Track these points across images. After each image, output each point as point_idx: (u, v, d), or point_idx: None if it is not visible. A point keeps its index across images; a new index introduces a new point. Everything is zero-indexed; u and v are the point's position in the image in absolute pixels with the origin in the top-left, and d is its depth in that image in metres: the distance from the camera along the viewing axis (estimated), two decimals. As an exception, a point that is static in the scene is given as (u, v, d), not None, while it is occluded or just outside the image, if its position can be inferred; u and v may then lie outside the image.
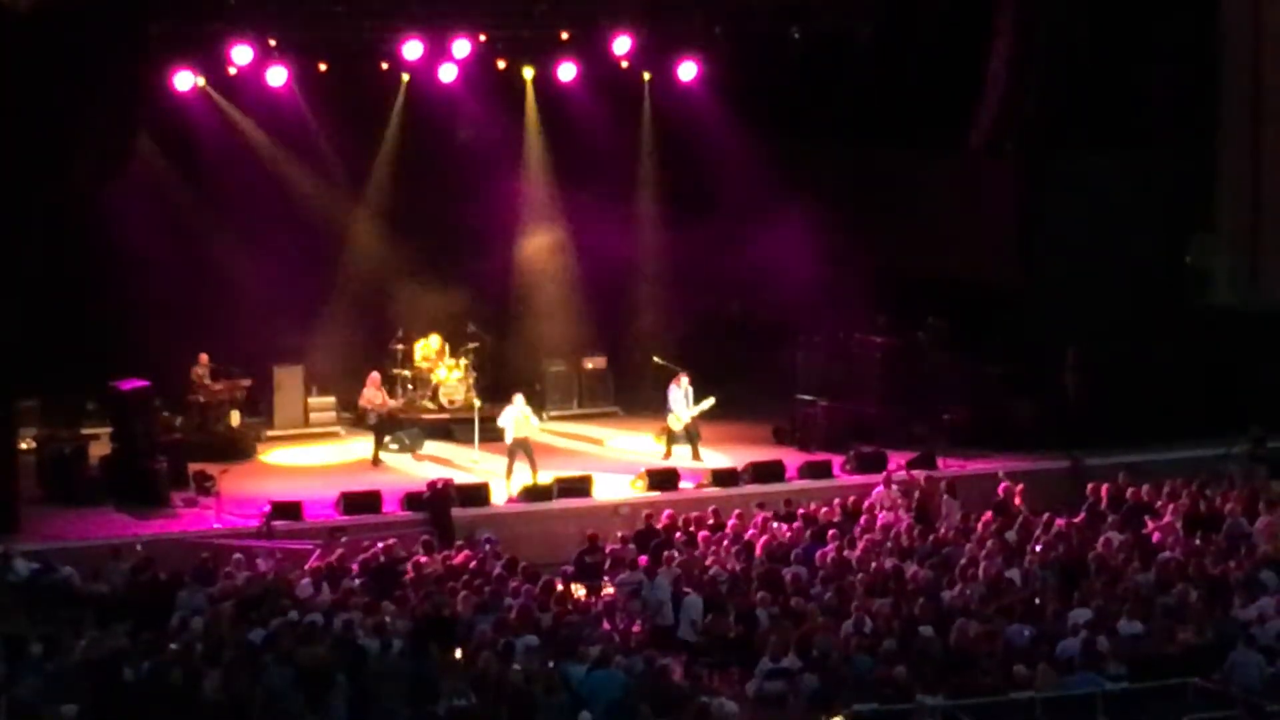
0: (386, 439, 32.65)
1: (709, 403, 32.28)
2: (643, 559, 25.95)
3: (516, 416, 30.87)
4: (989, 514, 27.41)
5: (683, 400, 32.27)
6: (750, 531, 26.91)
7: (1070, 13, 33.44)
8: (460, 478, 30.28)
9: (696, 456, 32.21)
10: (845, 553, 25.59)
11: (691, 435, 32.34)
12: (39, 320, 31.32)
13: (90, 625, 22.77)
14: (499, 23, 33.31)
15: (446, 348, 34.52)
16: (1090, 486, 28.67)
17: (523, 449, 30.70)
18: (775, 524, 27.26)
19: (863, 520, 27.63)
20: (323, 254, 34.13)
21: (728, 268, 34.53)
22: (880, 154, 35.20)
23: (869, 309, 34.08)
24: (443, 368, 34.30)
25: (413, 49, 32.68)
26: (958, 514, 27.98)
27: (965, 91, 33.99)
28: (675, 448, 32.45)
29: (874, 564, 25.02)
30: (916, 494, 28.86)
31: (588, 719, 19.52)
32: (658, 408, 33.43)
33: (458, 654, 21.59)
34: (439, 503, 28.46)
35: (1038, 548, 25.65)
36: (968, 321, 33.64)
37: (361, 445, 32.94)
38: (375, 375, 32.92)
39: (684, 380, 32.39)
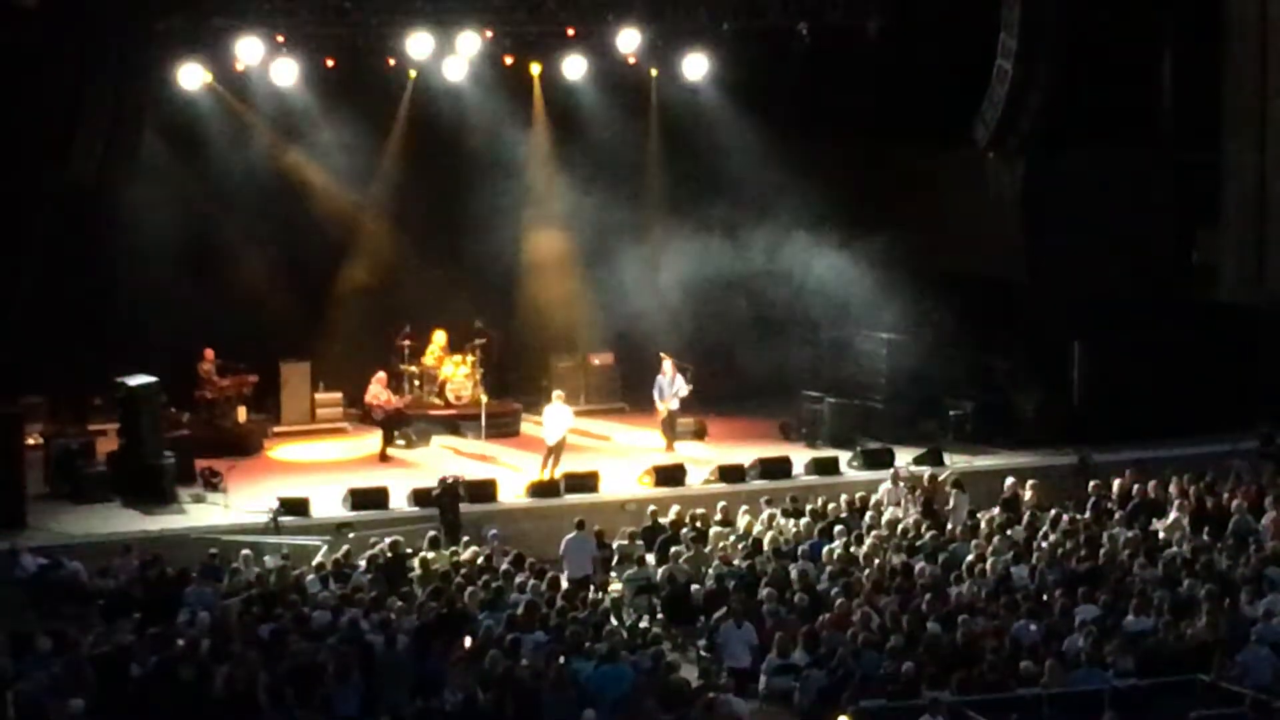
0: (394, 435, 32.70)
1: (683, 390, 32.47)
2: (650, 555, 26.04)
3: (558, 415, 31.07)
4: (996, 510, 27.42)
5: (666, 387, 32.45)
6: (757, 528, 26.93)
7: (1077, 8, 33.44)
8: (468, 474, 30.28)
9: (670, 448, 32.40)
10: (852, 549, 25.62)
11: (668, 425, 32.47)
12: (46, 316, 31.41)
13: (97, 621, 22.83)
14: (506, 18, 33.35)
15: (453, 344, 34.50)
16: (1097, 483, 28.68)
17: (557, 447, 30.85)
18: (782, 520, 27.28)
19: (869, 516, 27.64)
20: (330, 250, 34.17)
21: (734, 263, 34.52)
22: (887, 149, 35.25)
23: (875, 304, 34.07)
24: (450, 364, 34.30)
25: (420, 45, 32.72)
26: (965, 509, 27.99)
27: (972, 87, 34.00)
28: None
29: (880, 560, 25.03)
30: (923, 490, 28.88)
31: (592, 717, 19.54)
32: (665, 405, 33.55)
33: (465, 649, 21.59)
34: (449, 499, 28.44)
35: (1045, 544, 25.66)
36: (974, 316, 33.65)
37: (368, 441, 32.98)
38: (381, 375, 32.96)
39: (666, 366, 32.54)
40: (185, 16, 31.32)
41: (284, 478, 30.85)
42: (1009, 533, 26.26)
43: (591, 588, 24.83)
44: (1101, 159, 33.78)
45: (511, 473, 30.99)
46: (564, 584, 24.40)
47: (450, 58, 33.25)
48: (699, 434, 33.60)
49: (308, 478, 30.84)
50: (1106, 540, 25.63)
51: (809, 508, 27.76)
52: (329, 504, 28.91)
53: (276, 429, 33.64)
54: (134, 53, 30.82)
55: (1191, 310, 34.15)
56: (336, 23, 32.37)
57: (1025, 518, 27.12)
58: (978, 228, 34.65)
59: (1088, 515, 27.36)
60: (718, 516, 27.57)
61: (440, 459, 32.41)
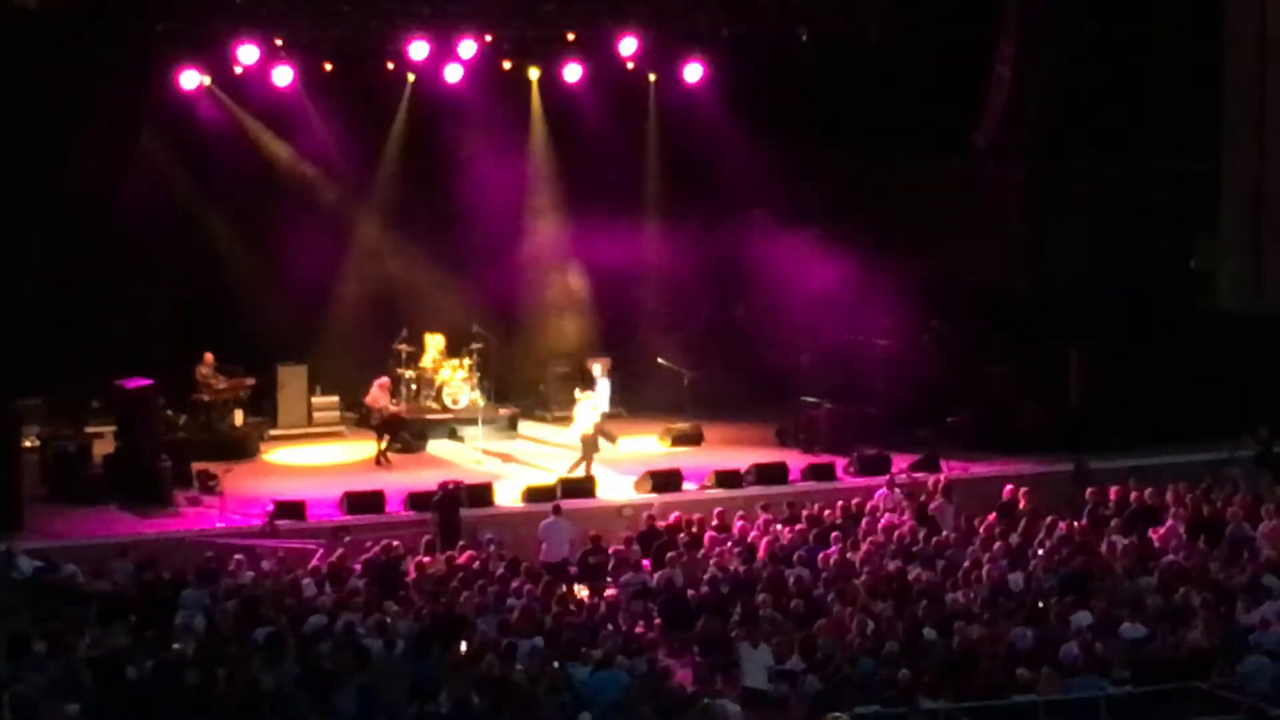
0: (388, 439, 32.67)
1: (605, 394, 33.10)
2: (646, 560, 26.02)
3: (590, 410, 31.31)
4: (993, 516, 27.42)
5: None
6: (753, 533, 26.91)
7: (1075, 16, 33.45)
8: (465, 478, 30.26)
9: (612, 444, 32.76)
10: (848, 555, 25.61)
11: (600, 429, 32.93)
12: (43, 318, 31.41)
13: (93, 624, 22.79)
14: (505, 23, 33.34)
15: (450, 348, 34.48)
16: (1093, 490, 28.66)
17: (589, 443, 30.99)
18: (778, 526, 27.27)
19: (865, 522, 27.63)
20: (328, 253, 34.12)
21: (732, 269, 34.51)
22: (885, 156, 35.22)
23: (873, 311, 34.07)
24: (447, 368, 34.26)
25: (418, 49, 32.74)
26: (951, 518, 27.97)
27: (971, 94, 34.01)
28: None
29: (875, 566, 25.02)
30: (920, 497, 28.86)
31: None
32: (662, 409, 33.46)
33: (461, 654, 21.58)
34: (448, 503, 28.40)
35: (1041, 551, 25.65)
36: (972, 324, 33.64)
37: (365, 445, 32.95)
38: (385, 380, 32.89)
39: (595, 369, 32.85)
40: (184, 19, 31.32)
41: (280, 481, 30.84)
42: (1006, 539, 26.24)
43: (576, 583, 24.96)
44: (1100, 166, 33.78)
45: (510, 477, 30.98)
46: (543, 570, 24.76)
47: (449, 62, 33.26)
48: (695, 439, 33.56)
49: (304, 481, 30.84)
50: (1103, 547, 25.63)
51: (805, 513, 27.76)
52: (325, 507, 28.92)
53: (273, 432, 33.59)
54: (133, 55, 30.83)
55: (1190, 318, 34.13)
56: (334, 26, 32.38)
57: (1021, 524, 27.09)
58: (976, 234, 34.64)
59: (1084, 522, 27.36)
60: (714, 522, 27.56)
61: (437, 463, 32.37)
